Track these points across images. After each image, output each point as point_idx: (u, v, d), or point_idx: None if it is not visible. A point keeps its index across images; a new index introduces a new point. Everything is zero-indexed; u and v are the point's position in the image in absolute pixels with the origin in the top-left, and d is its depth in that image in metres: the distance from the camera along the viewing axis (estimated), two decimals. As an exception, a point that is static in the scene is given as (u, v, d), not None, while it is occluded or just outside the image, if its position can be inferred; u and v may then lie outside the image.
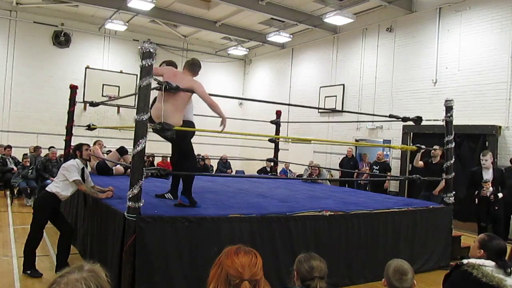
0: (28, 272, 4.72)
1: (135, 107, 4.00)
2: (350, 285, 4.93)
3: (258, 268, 1.61)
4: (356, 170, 10.95)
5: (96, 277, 1.24)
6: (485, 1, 9.08)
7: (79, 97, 8.30)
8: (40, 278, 4.67)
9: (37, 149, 10.96)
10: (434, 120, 6.47)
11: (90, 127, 8.03)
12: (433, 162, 7.59)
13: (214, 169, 13.31)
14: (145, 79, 3.78)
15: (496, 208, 6.28)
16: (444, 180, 6.70)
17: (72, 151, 5.52)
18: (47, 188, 5.04)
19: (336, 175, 11.97)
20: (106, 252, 4.39)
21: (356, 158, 11.63)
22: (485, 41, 9.00)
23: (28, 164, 9.69)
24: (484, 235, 2.94)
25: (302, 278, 2.23)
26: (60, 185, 4.92)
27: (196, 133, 4.88)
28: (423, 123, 6.08)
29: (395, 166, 10.69)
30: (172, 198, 4.98)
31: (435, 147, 7.47)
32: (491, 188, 6.23)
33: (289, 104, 11.15)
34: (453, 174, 6.15)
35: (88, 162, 5.44)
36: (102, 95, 13.30)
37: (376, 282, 5.04)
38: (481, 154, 6.79)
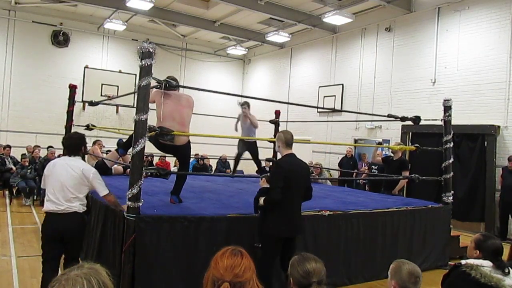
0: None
1: (134, 106, 4.00)
2: (349, 285, 4.94)
3: (241, 269, 1.57)
4: (355, 170, 10.95)
5: (96, 273, 1.27)
6: (484, 1, 9.09)
7: (78, 97, 8.29)
8: (39, 278, 4.66)
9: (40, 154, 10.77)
10: (433, 119, 6.47)
11: (89, 127, 8.01)
12: (393, 159, 7.24)
13: (213, 168, 13.30)
14: (144, 78, 3.78)
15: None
16: (402, 179, 6.47)
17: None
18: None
19: (336, 175, 11.97)
20: (105, 252, 4.39)
21: (355, 158, 11.63)
22: (484, 41, 9.01)
23: (27, 163, 9.68)
24: (479, 235, 2.93)
25: (298, 284, 2.02)
26: None
27: (196, 132, 4.94)
28: (422, 122, 6.08)
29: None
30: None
31: (396, 142, 6.99)
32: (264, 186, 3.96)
33: (288, 103, 11.13)
34: (452, 173, 6.16)
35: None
36: (101, 95, 13.28)
37: (375, 281, 5.05)
38: None
